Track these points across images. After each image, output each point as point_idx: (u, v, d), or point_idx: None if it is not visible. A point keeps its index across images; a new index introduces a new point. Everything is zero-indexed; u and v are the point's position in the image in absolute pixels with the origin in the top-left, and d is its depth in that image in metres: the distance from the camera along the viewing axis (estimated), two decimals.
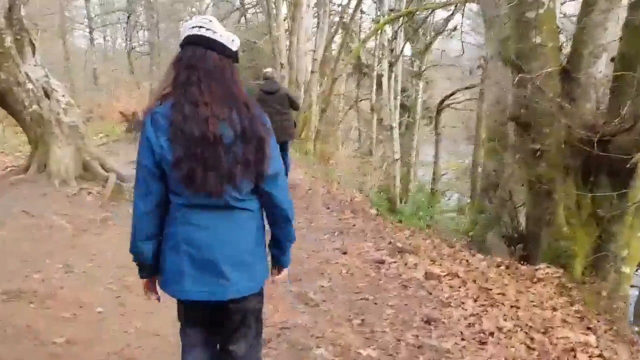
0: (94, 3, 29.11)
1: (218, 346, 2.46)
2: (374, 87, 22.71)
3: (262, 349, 2.60)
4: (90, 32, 27.38)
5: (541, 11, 6.18)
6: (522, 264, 6.40)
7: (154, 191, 2.17)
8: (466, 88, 20.53)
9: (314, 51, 18.14)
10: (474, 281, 5.37)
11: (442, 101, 20.83)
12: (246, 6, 25.77)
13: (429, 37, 22.29)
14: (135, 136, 15.43)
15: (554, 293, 5.66)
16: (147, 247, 2.25)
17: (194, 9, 29.74)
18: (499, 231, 8.28)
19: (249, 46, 30.92)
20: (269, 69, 8.84)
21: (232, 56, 2.25)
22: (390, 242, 6.25)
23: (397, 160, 21.17)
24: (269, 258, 2.45)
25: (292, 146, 18.16)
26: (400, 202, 19.99)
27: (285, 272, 2.52)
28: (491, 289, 5.22)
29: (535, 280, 5.83)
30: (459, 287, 5.16)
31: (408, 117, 23.32)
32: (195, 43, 2.18)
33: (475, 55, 19.45)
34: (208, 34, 2.19)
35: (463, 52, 15.61)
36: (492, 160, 9.16)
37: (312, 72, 16.29)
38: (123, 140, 14.30)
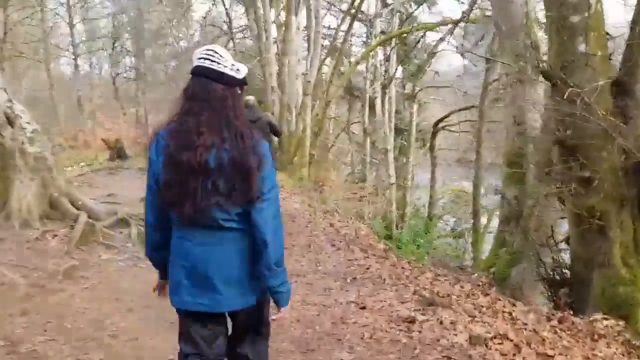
0: (79, 30, 27.98)
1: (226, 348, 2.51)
2: (367, 110, 21.71)
3: (268, 350, 2.66)
4: (75, 59, 26.19)
5: (587, 14, 5.11)
6: (572, 314, 5.25)
7: (157, 206, 2.29)
8: (461, 109, 19.55)
9: (306, 74, 17.12)
10: (529, 344, 4.19)
11: (437, 123, 19.82)
12: (234, 30, 24.76)
13: (421, 59, 21.39)
14: (118, 164, 14.27)
15: (622, 354, 4.51)
16: (157, 256, 2.44)
17: (180, 35, 28.76)
18: (531, 268, 7.13)
19: None
20: (250, 97, 8.65)
21: (238, 84, 2.31)
22: (415, 291, 5.06)
23: (392, 184, 20.16)
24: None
25: (285, 172, 17.06)
26: (397, 227, 18.92)
27: (284, 311, 2.43)
28: (552, 356, 4.05)
29: (596, 337, 4.67)
30: (514, 355, 3.98)
31: (402, 140, 22.32)
32: (201, 74, 2.25)
33: (471, 77, 18.57)
34: (213, 65, 2.24)
35: (463, 72, 14.58)
36: (513, 187, 8.04)
37: (306, 94, 15.22)
38: (105, 170, 13.10)
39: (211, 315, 2.33)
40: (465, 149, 21.95)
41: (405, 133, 22.36)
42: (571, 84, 5.02)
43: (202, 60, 2.25)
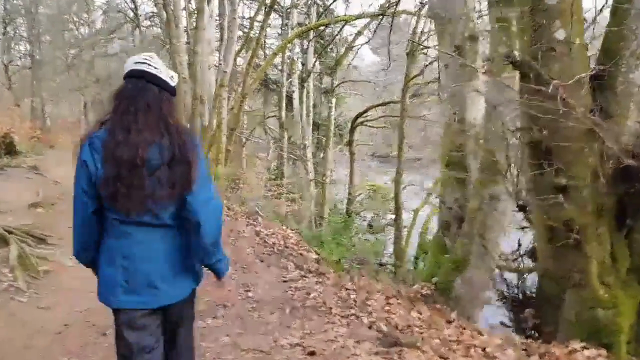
0: None
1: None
2: (283, 104, 20.66)
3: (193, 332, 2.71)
4: None
5: None
6: (540, 339, 4.50)
7: (87, 208, 2.29)
8: (380, 105, 18.91)
9: (220, 64, 15.82)
10: None
11: (356, 118, 19.06)
12: (140, 17, 22.89)
13: (338, 53, 20.58)
14: (6, 162, 12.38)
15: None
16: (85, 256, 2.46)
17: (81, 20, 26.37)
18: (477, 278, 6.39)
19: None
20: None
21: (171, 91, 2.40)
22: (371, 325, 4.10)
23: (311, 180, 19.24)
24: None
25: None
26: (316, 225, 18.04)
27: (225, 280, 2.68)
28: None
29: None
30: None
31: (318, 134, 21.43)
32: (138, 77, 2.33)
33: (391, 72, 17.90)
34: (150, 69, 2.34)
35: (389, 66, 13.83)
36: (452, 189, 7.27)
37: (221, 86, 13.91)
38: None
39: (148, 310, 2.36)
40: (383, 144, 21.47)
41: (322, 128, 21.49)
42: (547, 77, 4.20)
43: (138, 65, 2.34)
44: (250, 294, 4.80)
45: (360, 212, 20.22)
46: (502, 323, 7.67)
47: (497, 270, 5.70)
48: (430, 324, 4.39)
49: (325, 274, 5.77)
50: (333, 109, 19.34)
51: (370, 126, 20.71)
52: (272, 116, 24.66)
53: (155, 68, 2.34)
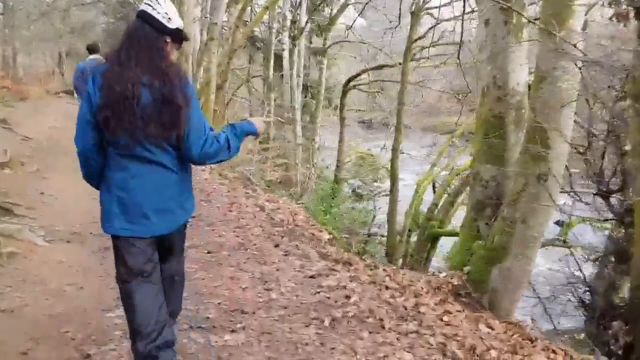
0: None
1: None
2: (271, 63, 19.27)
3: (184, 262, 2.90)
4: None
5: None
6: None
7: (88, 136, 2.40)
8: (375, 68, 17.68)
9: (207, 17, 14.44)
10: None
11: (348, 81, 17.84)
12: None
13: (333, 11, 19.19)
14: None
15: None
16: (91, 182, 2.59)
17: None
18: (516, 269, 5.47)
19: (124, 13, 26.16)
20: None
21: (168, 33, 2.43)
22: (445, 351, 3.07)
23: (299, 145, 18.05)
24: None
25: None
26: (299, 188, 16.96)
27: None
28: None
29: None
30: None
31: (306, 97, 20.13)
32: (139, 17, 2.43)
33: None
34: (148, 9, 2.40)
35: (399, 24, 12.60)
36: (489, 165, 6.23)
37: (211, 39, 12.52)
38: None
39: (141, 238, 2.47)
40: (371, 110, 20.33)
41: (310, 90, 20.22)
42: None
43: (143, 5, 2.43)
44: (272, 295, 3.71)
45: (348, 179, 19.16)
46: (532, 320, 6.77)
47: (574, 270, 4.69)
48: (513, 346, 3.36)
49: (353, 264, 4.71)
50: (324, 71, 18.04)
51: (364, 90, 19.50)
52: (257, 76, 23.24)
53: (153, 9, 2.40)
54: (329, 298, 3.69)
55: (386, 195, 19.16)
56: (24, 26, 23.58)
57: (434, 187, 15.60)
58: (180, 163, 2.48)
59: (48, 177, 7.24)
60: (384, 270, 4.74)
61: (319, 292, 3.79)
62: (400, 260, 12.79)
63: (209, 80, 12.49)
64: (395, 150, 13.53)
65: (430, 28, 13.42)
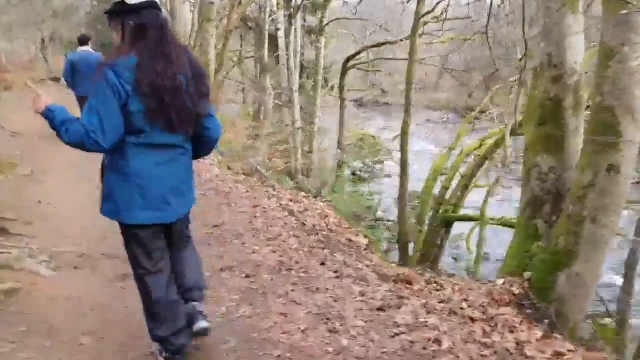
0: None
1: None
2: (266, 43, 18.27)
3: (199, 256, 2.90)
4: None
5: None
6: None
7: (118, 133, 2.31)
8: (375, 45, 16.78)
9: None
10: None
11: (347, 60, 16.93)
12: None
13: None
14: None
15: None
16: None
17: None
18: (588, 275, 4.81)
19: None
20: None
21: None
22: None
23: (298, 129, 17.16)
24: None
25: None
26: (302, 175, 16.15)
27: None
28: None
29: None
30: None
31: (301, 78, 19.13)
32: (151, 6, 2.38)
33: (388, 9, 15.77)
34: None
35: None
36: (548, 154, 5.48)
37: (208, 20, 11.52)
38: None
39: (160, 227, 2.54)
40: (372, 88, 19.45)
41: (306, 71, 19.27)
42: None
43: None
44: (342, 341, 2.91)
45: (349, 162, 18.34)
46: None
47: None
48: None
49: (413, 282, 3.95)
50: (322, 50, 17.07)
51: (364, 69, 18.59)
52: (250, 57, 22.20)
53: None
54: (412, 343, 2.91)
55: (387, 176, 18.51)
56: (3, 11, 22.26)
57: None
58: (190, 147, 2.57)
59: (44, 181, 6.35)
60: (452, 289, 3.98)
61: (397, 334, 3.01)
62: (418, 252, 12.03)
63: (207, 64, 11.52)
64: (404, 133, 12.69)
65: (439, 1, 12.54)
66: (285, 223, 5.14)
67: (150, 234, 2.49)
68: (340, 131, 17.07)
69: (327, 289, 3.61)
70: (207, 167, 7.78)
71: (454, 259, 13.56)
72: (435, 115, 26.96)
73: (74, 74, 8.14)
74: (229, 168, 8.28)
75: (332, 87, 20.62)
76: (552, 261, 5.12)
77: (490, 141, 13.37)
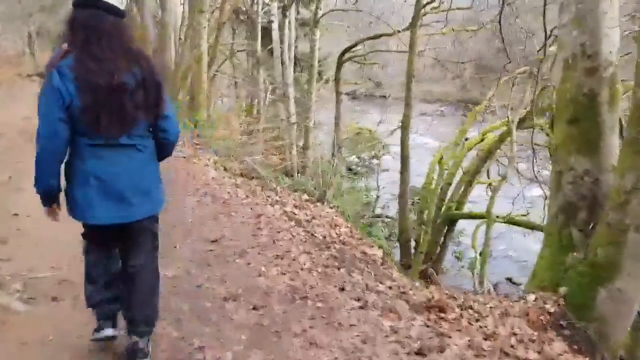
0: None
1: (120, 261, 2.68)
2: (259, 36, 17.58)
3: (159, 281, 2.68)
4: None
5: None
6: None
7: (62, 135, 2.27)
8: (372, 38, 16.13)
9: None
10: None
11: (344, 53, 16.27)
12: None
13: None
14: None
15: None
16: (55, 182, 2.40)
17: None
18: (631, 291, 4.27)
19: None
20: None
21: (123, 15, 2.38)
22: None
23: (293, 124, 16.54)
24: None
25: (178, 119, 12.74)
26: (297, 173, 15.54)
27: None
28: None
29: None
30: None
31: (295, 71, 18.45)
32: (91, 6, 2.28)
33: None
34: None
35: None
36: (581, 156, 4.91)
37: (200, 12, 10.83)
38: None
39: (118, 229, 2.49)
40: (366, 82, 18.81)
41: (301, 64, 18.60)
42: None
43: None
44: None
45: (346, 157, 17.71)
46: None
47: None
48: None
49: (447, 309, 3.37)
50: (317, 43, 16.40)
51: (360, 62, 17.93)
52: (242, 50, 21.46)
53: None
54: None
55: (385, 171, 17.89)
56: None
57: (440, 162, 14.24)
58: (152, 146, 2.51)
59: (24, 188, 5.69)
60: (491, 315, 3.40)
61: None
62: (421, 251, 11.46)
63: (200, 57, 10.85)
64: (405, 128, 12.12)
65: None
66: (292, 236, 4.54)
67: (105, 233, 2.53)
68: (336, 126, 16.41)
69: (351, 325, 3.01)
70: (202, 169, 7.15)
71: (457, 257, 13.02)
72: (429, 108, 26.42)
73: None
74: (225, 169, 7.66)
75: (326, 81, 19.96)
76: (591, 275, 4.57)
77: (491, 135, 12.89)
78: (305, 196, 6.98)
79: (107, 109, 2.25)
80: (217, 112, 13.53)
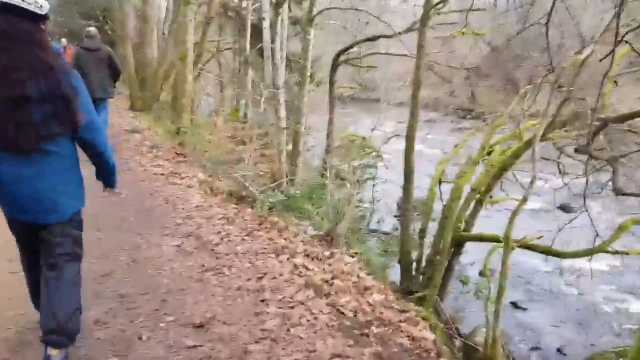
0: None
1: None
2: (248, 34, 16.02)
3: (79, 268, 2.54)
4: None
5: None
6: None
7: None
8: (369, 39, 14.67)
9: None
10: None
11: (339, 55, 14.78)
12: None
13: None
14: None
15: None
16: None
17: None
18: None
19: None
20: (92, 28, 7.80)
21: (41, 20, 2.26)
22: None
23: (284, 129, 14.99)
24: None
25: (150, 116, 11.20)
26: (286, 183, 14.02)
27: (115, 190, 2.70)
28: None
29: None
30: None
31: (290, 72, 16.93)
32: (5, 11, 2.16)
33: None
34: (16, 2, 2.16)
35: None
36: None
37: (187, 3, 9.24)
38: None
39: (31, 229, 2.39)
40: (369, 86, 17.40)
41: (292, 65, 17.05)
42: None
43: None
44: None
45: (338, 166, 16.21)
46: None
47: None
48: None
49: None
50: (311, 43, 14.88)
51: (356, 65, 16.44)
52: (228, 49, 19.85)
53: (23, 0, 2.17)
54: None
55: (382, 182, 16.45)
56: None
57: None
58: (70, 151, 2.39)
59: None
60: None
61: None
62: (423, 274, 10.09)
63: (185, 55, 9.28)
64: (410, 138, 10.64)
65: None
66: (313, 316, 3.05)
67: (24, 230, 2.43)
68: (329, 132, 14.94)
69: None
70: (185, 193, 5.62)
71: (462, 281, 11.63)
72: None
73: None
74: (212, 191, 6.13)
75: (317, 83, 18.46)
76: None
77: (498, 147, 11.57)
78: (310, 229, 5.51)
79: (13, 121, 2.14)
80: (201, 117, 11.91)
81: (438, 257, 8.94)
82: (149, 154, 7.62)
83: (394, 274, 10.74)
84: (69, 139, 2.32)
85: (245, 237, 4.28)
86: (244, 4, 16.07)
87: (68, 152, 2.34)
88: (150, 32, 11.76)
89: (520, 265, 12.39)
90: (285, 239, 4.40)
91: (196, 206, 5.18)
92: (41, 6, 2.22)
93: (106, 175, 2.59)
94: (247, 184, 7.22)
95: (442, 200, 11.51)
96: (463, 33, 12.04)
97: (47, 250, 2.41)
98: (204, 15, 11.78)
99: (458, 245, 10.75)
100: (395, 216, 14.80)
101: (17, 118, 2.13)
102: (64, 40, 15.38)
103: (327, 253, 4.24)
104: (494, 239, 10.07)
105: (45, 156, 2.26)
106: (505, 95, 30.45)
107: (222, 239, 4.19)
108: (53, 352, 2.27)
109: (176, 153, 8.20)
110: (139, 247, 3.97)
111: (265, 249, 4.06)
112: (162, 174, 6.38)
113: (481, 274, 12.21)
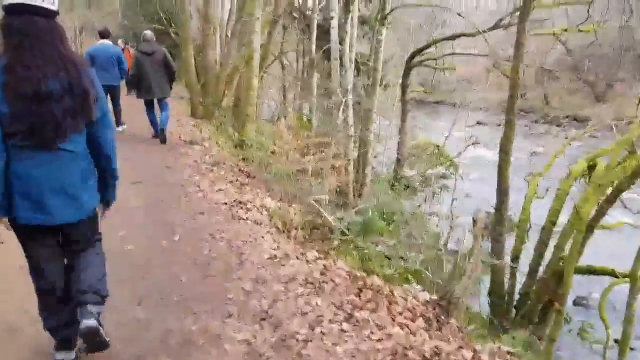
0: None
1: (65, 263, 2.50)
2: (314, 35, 14.61)
3: (104, 264, 2.55)
4: None
5: None
6: None
7: (2, 149, 2.14)
8: (448, 38, 13.00)
9: None
10: None
11: (413, 56, 13.19)
12: None
13: None
14: None
15: None
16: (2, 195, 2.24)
17: None
18: None
19: None
20: (147, 32, 7.85)
21: (55, 16, 2.23)
22: None
23: (352, 136, 13.54)
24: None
25: (211, 124, 10.02)
26: (354, 195, 12.53)
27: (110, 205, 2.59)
28: None
29: None
30: None
31: (357, 75, 15.44)
32: (21, 11, 2.13)
33: None
34: (31, 1, 2.12)
35: None
36: None
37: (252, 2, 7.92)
38: None
39: (47, 230, 2.32)
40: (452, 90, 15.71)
41: (360, 68, 15.54)
42: None
43: None
44: None
45: (409, 177, 14.57)
46: None
47: None
48: None
49: None
50: (382, 43, 13.34)
51: (433, 67, 14.77)
52: (292, 50, 18.56)
53: None
54: None
55: (466, 197, 14.73)
56: None
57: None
58: (85, 149, 2.35)
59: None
60: None
61: None
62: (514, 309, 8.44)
63: (250, 56, 7.95)
64: (505, 153, 8.94)
65: None
66: None
67: (34, 238, 2.33)
68: (401, 140, 13.35)
69: None
70: (252, 235, 4.22)
71: (565, 319, 9.78)
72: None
73: (92, 66, 6.16)
74: (285, 226, 4.72)
75: (385, 87, 16.84)
76: None
77: (603, 163, 9.67)
78: (418, 289, 4.00)
79: (40, 117, 2.13)
80: (265, 126, 10.59)
81: (556, 304, 7.20)
82: (209, 173, 6.34)
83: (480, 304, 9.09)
84: (84, 134, 2.28)
85: (345, 326, 2.82)
86: (309, 4, 14.69)
87: (84, 147, 2.31)
88: (212, 34, 10.56)
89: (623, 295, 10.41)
90: (401, 326, 2.90)
91: (269, 257, 3.77)
92: (54, 2, 2.19)
93: (108, 184, 2.49)
94: (321, 210, 5.80)
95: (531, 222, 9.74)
96: (566, 30, 10.19)
97: (74, 242, 2.42)
98: (271, 13, 10.46)
99: (559, 279, 8.97)
100: (470, 231, 13.14)
101: (40, 114, 2.11)
102: (120, 41, 14.87)
103: (453, 339, 2.72)
104: (606, 272, 8.29)
105: (66, 152, 2.22)
106: (581, 99, 27.90)
107: (311, 328, 2.75)
108: (91, 306, 2.31)
109: (240, 170, 6.89)
110: (190, 344, 2.60)
111: (378, 350, 2.58)
112: (225, 203, 5.04)
113: (575, 303, 10.39)
